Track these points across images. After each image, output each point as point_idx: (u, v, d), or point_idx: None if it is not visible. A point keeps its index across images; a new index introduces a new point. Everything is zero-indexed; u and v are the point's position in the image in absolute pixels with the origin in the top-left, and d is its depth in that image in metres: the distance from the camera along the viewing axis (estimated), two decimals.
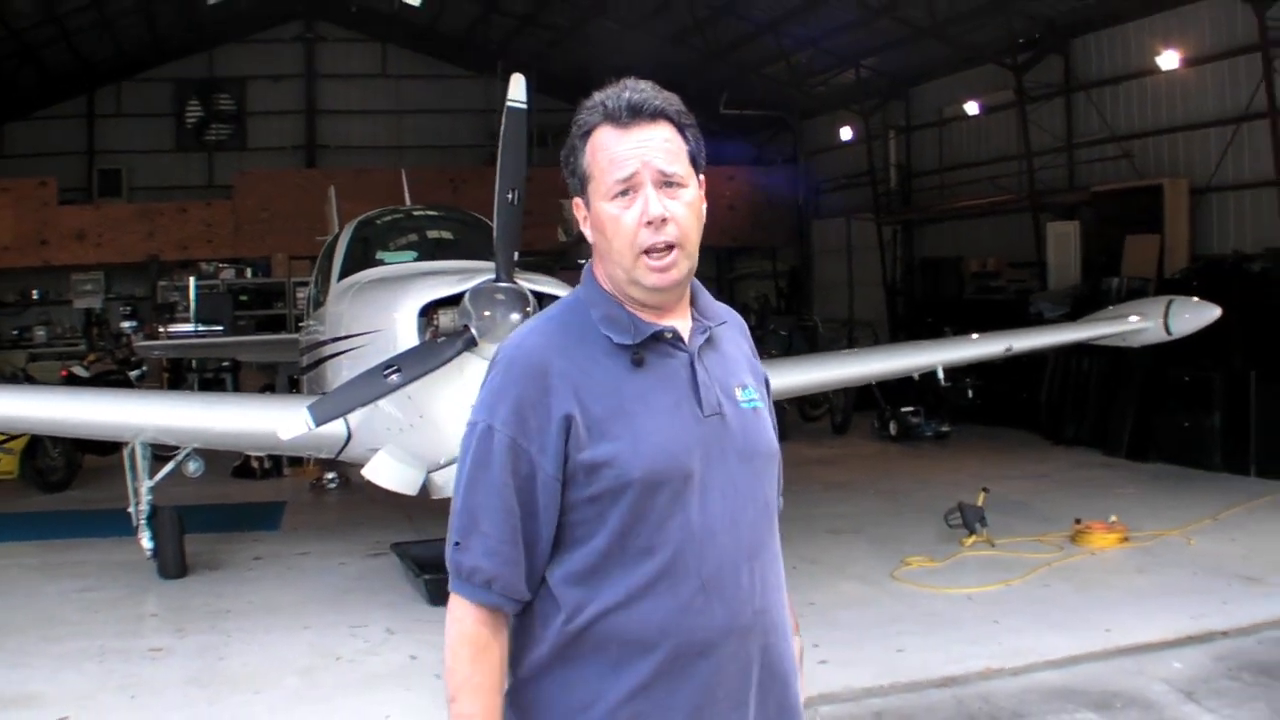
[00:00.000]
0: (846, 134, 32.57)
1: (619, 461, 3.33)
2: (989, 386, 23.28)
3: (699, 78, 31.78)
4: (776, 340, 25.99)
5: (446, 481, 10.73)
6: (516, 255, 9.96)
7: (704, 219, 3.51)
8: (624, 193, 3.38)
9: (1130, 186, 22.83)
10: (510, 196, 9.56)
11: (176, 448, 13.72)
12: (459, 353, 9.63)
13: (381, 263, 13.38)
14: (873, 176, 31.68)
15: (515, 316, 9.45)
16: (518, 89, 9.88)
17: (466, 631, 3.40)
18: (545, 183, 33.35)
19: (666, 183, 3.38)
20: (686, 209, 3.40)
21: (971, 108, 26.95)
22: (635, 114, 3.38)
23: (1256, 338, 18.20)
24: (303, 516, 16.91)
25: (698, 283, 3.63)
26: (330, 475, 18.51)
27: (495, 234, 9.73)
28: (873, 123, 31.86)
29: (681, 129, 3.46)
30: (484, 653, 3.40)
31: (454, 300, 9.96)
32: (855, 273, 33.45)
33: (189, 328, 27.10)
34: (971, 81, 27.08)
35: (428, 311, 10.38)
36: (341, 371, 11.93)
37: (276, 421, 10.43)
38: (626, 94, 3.41)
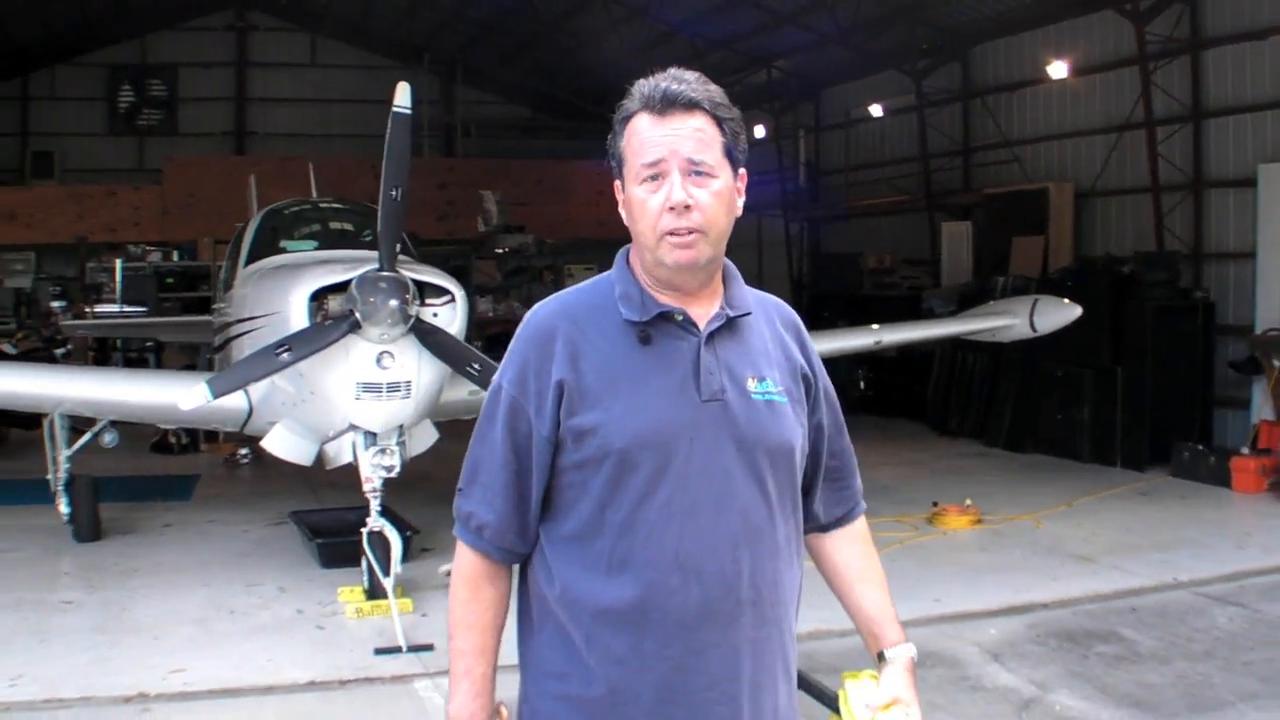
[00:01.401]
0: (760, 132, 33.14)
1: (603, 430, 3.43)
2: (882, 378, 24.29)
3: (617, 74, 32.52)
4: None
5: (338, 453, 11.68)
6: (399, 247, 10.87)
7: (736, 210, 3.58)
8: (653, 178, 3.47)
9: (1019, 189, 23.87)
10: (394, 194, 10.39)
11: (94, 420, 14.57)
12: (344, 334, 10.49)
13: (284, 250, 14.13)
14: (781, 174, 32.53)
15: (394, 303, 10.27)
16: (403, 96, 10.32)
17: (464, 572, 3.65)
18: (468, 174, 34.25)
19: (695, 171, 3.45)
20: (713, 198, 3.46)
21: (876, 110, 27.93)
22: (670, 104, 3.46)
23: (1124, 336, 19.27)
24: (214, 489, 17.75)
25: (735, 271, 3.73)
26: (243, 451, 19.32)
27: (380, 228, 10.56)
28: (783, 122, 32.77)
29: (719, 121, 3.51)
30: (478, 593, 3.62)
31: (343, 287, 10.74)
32: (765, 267, 33.93)
33: (115, 308, 27.62)
34: (876, 86, 28.02)
35: (319, 297, 11.15)
36: (244, 350, 12.68)
37: (179, 394, 11.26)
38: (665, 84, 3.49)
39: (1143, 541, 14.31)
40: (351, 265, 11.01)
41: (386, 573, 10.73)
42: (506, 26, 33.62)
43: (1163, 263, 20.14)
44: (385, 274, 10.44)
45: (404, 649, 10.01)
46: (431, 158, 36.35)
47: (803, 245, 32.99)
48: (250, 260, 14.36)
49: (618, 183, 3.59)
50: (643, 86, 3.51)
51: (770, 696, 3.61)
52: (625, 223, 3.57)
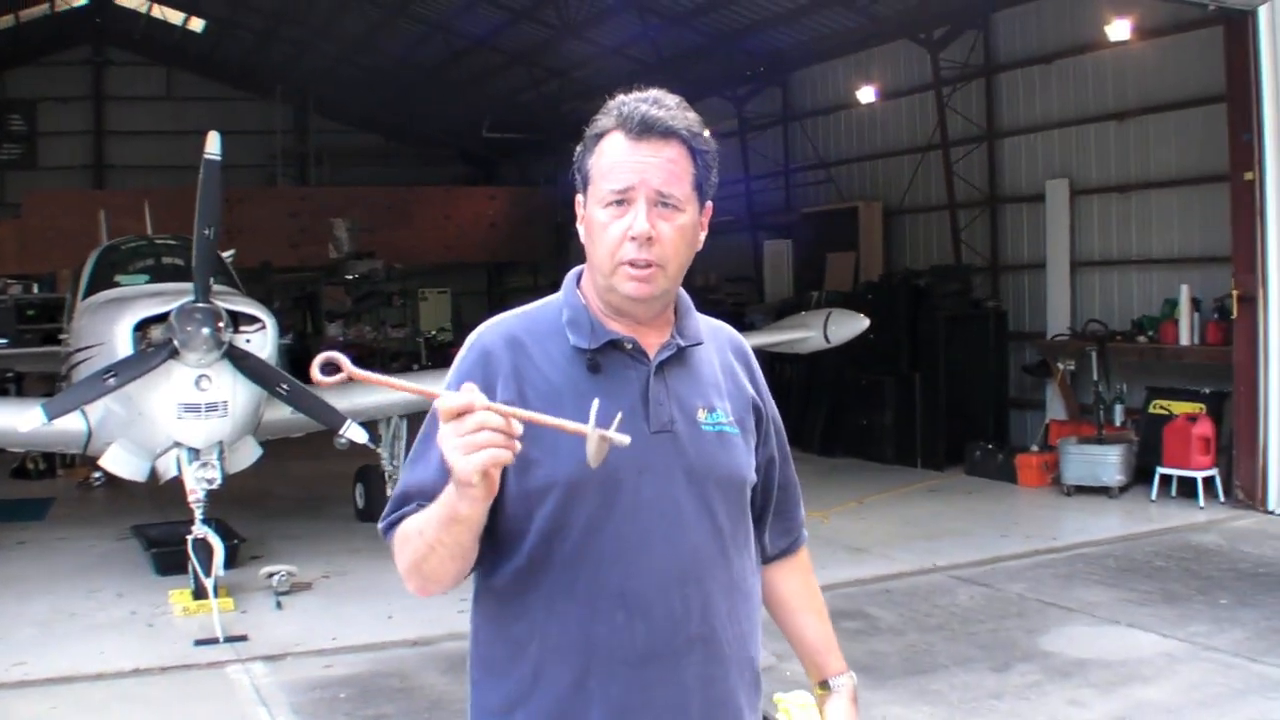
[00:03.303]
0: None
1: (549, 460, 3.26)
2: None
3: (465, 103, 33.73)
4: None
5: (166, 468, 12.82)
6: (214, 279, 12.11)
7: (698, 244, 3.46)
8: (618, 203, 3.31)
9: (832, 209, 25.29)
10: (207, 233, 11.58)
11: None
12: (163, 360, 11.70)
13: (117, 284, 15.24)
14: None
15: (206, 331, 11.53)
16: (213, 144, 11.50)
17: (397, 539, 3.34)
18: (320, 201, 35.15)
19: (662, 203, 3.31)
20: (676, 232, 3.34)
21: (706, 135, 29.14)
22: (647, 129, 3.32)
23: (920, 344, 20.69)
24: (67, 509, 18.70)
25: (688, 301, 3.61)
26: (97, 475, 20.15)
27: (194, 263, 11.74)
28: None
29: (693, 153, 3.39)
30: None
31: (164, 317, 11.95)
32: None
33: None
34: (701, 111, 28.77)
35: (142, 327, 12.36)
36: (82, 377, 13.80)
37: (16, 418, 12.37)
38: (644, 107, 3.35)
39: (915, 532, 15.67)
40: (172, 297, 12.17)
41: (209, 575, 11.88)
42: (356, 59, 34.52)
43: (955, 275, 21.67)
44: (200, 305, 11.64)
45: (221, 640, 11.19)
46: (284, 186, 37.48)
47: None
48: (88, 294, 15.38)
49: (579, 198, 3.46)
50: (622, 105, 3.38)
51: None
52: (581, 240, 3.46)
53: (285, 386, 12.31)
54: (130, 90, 38.73)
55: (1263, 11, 15.82)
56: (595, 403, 2.97)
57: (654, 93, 3.43)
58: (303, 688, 10.15)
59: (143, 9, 35.18)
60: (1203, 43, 17.33)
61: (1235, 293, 16.41)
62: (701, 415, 3.47)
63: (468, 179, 41.20)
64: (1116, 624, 11.50)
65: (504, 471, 2.99)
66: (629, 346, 3.42)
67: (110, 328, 12.83)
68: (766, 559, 3.84)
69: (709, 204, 3.51)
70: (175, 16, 34.99)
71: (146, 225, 19.82)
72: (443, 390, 3.07)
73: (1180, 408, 17.62)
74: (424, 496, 3.25)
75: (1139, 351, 18.73)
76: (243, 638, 11.35)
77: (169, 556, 13.53)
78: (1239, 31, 16.11)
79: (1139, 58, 19.13)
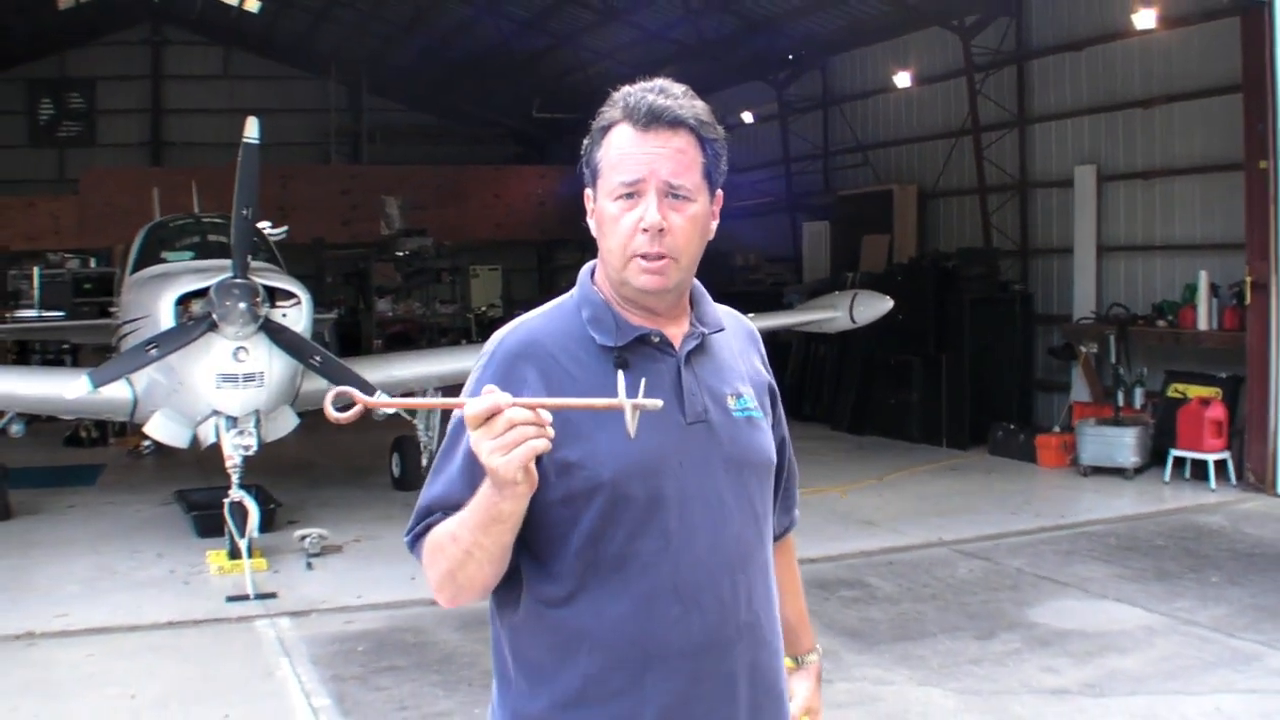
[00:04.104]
0: None
1: (590, 462, 3.22)
2: None
3: (515, 83, 34.16)
4: None
5: (206, 434, 13.51)
6: (253, 256, 12.80)
7: (709, 234, 3.42)
8: (628, 195, 3.27)
9: (868, 191, 25.79)
10: (245, 212, 12.31)
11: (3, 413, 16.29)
12: (203, 333, 12.51)
13: (164, 260, 15.98)
14: None
15: (243, 305, 12.28)
16: (252, 129, 12.18)
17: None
18: (372, 180, 35.63)
19: (673, 194, 3.27)
20: (687, 222, 3.29)
21: (747, 118, 29.55)
22: (654, 119, 3.28)
23: (947, 327, 21.15)
24: (117, 476, 19.47)
25: (701, 289, 3.56)
26: (147, 443, 20.83)
27: (233, 241, 12.56)
28: None
29: (702, 142, 3.33)
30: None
31: (205, 293, 12.73)
32: None
33: (33, 313, 28.74)
34: (742, 95, 29.31)
35: (184, 301, 13.14)
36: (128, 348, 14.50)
37: (64, 386, 13.16)
38: (650, 97, 3.30)
39: (928, 509, 16.18)
40: (213, 273, 12.91)
41: (243, 536, 12.54)
42: (409, 38, 34.95)
43: (982, 258, 22.12)
44: (238, 281, 12.39)
45: (251, 596, 11.91)
46: (337, 164, 37.96)
47: None
48: (136, 269, 16.14)
49: (588, 191, 3.43)
50: (628, 96, 3.34)
51: (767, 715, 3.50)
52: (592, 233, 3.41)
53: (318, 359, 13.06)
54: (188, 69, 39.08)
55: (1279, 3, 16.18)
56: (620, 375, 3.07)
57: (660, 82, 3.37)
58: (323, 641, 10.82)
59: None
60: (1225, 32, 17.63)
61: (1249, 279, 16.81)
62: (731, 402, 3.46)
63: (519, 158, 41.43)
64: (1105, 598, 11.96)
65: (541, 480, 2.99)
66: (656, 340, 3.38)
67: (154, 302, 13.63)
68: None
69: (720, 193, 3.45)
70: None
71: (194, 203, 20.43)
72: (466, 399, 3.00)
73: (1196, 391, 17.97)
74: (448, 508, 3.23)
75: (1159, 336, 19.05)
76: (272, 595, 12.06)
77: (209, 519, 14.16)
78: (1255, 22, 16.49)
79: (1164, 46, 19.48)
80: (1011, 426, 20.31)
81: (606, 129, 3.34)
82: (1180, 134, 19.54)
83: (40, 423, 19.52)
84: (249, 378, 12.77)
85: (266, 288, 12.91)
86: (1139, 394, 18.94)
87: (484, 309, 35.55)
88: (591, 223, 3.41)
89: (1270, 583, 12.35)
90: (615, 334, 3.34)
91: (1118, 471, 17.92)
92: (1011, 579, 12.67)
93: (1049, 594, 12.17)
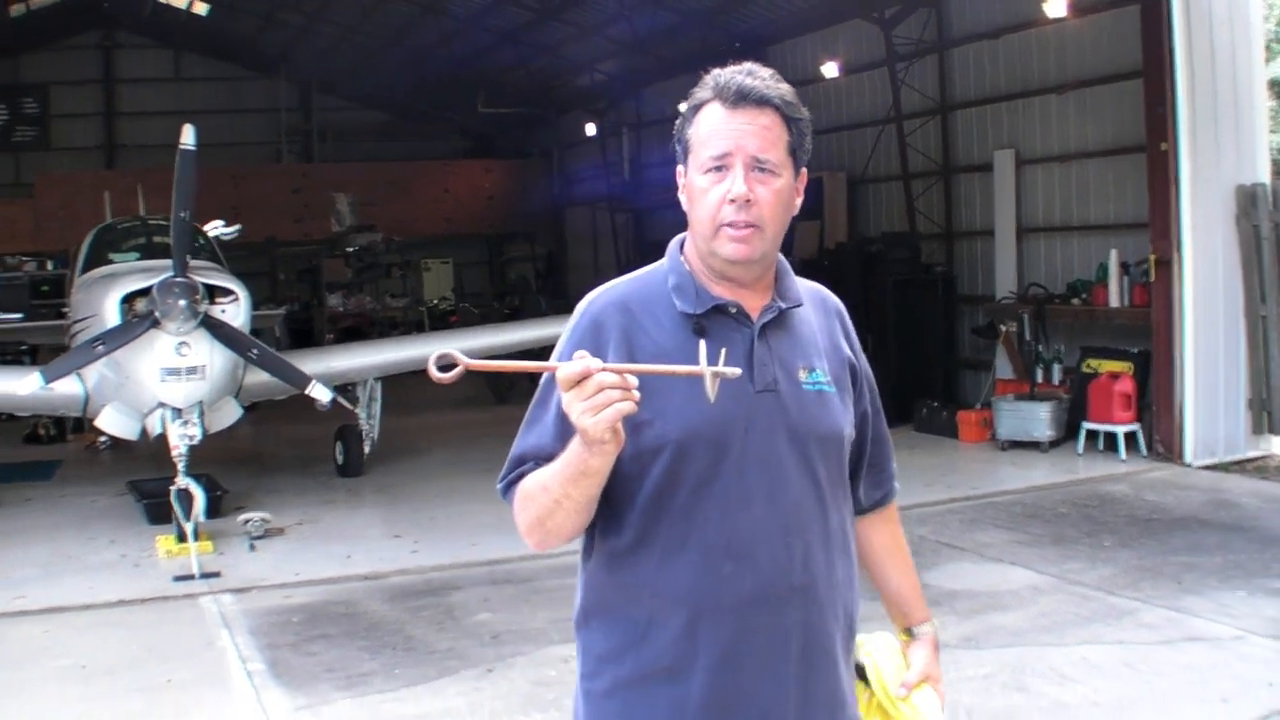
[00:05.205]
0: (591, 130, 35.16)
1: (660, 422, 3.40)
2: None
3: (460, 79, 34.63)
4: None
5: (153, 425, 14.24)
6: (191, 257, 13.56)
7: (794, 209, 3.60)
8: (717, 169, 3.46)
9: None
10: (183, 215, 13.08)
11: None
12: (146, 330, 13.29)
13: (111, 261, 16.69)
14: (606, 169, 34.76)
15: (184, 303, 13.07)
16: (188, 136, 13.09)
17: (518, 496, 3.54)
18: (323, 177, 36.23)
19: (759, 167, 3.45)
20: (773, 195, 3.47)
21: (684, 108, 30.17)
22: (743, 97, 3.48)
23: (872, 309, 21.66)
24: (73, 470, 20.03)
25: (786, 264, 3.71)
26: (103, 438, 21.31)
27: (172, 242, 13.30)
28: (609, 120, 34.90)
29: (787, 120, 3.53)
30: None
31: (149, 291, 13.46)
32: (600, 256, 36.25)
33: None
34: (685, 86, 29.84)
35: (130, 300, 13.90)
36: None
37: (15, 384, 13.89)
38: (740, 78, 3.51)
39: None
40: (157, 273, 13.64)
41: (189, 520, 13.23)
42: (356, 38, 35.35)
43: (905, 241, 22.85)
44: (179, 280, 13.15)
45: (197, 576, 12.62)
46: (288, 163, 38.61)
47: (629, 235, 34.94)
48: (85, 270, 16.87)
49: (680, 167, 3.63)
50: (718, 77, 3.57)
51: (825, 679, 3.66)
52: (683, 208, 3.61)
53: (255, 351, 13.91)
54: (139, 72, 39.40)
55: None
56: (702, 344, 3.25)
57: (748, 65, 3.60)
58: (261, 614, 11.54)
59: None
60: (1130, 19, 18.27)
61: (1153, 257, 17.57)
62: (802, 375, 3.60)
63: (467, 153, 41.99)
64: (1000, 562, 12.69)
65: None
66: (733, 310, 3.55)
67: (101, 301, 14.39)
68: (860, 511, 3.98)
69: (804, 170, 3.66)
70: (180, 1, 35.53)
71: (140, 206, 21.08)
72: (557, 362, 3.27)
73: (1109, 366, 18.66)
74: (540, 458, 3.46)
75: (1074, 314, 19.78)
76: (216, 574, 12.79)
77: (159, 507, 14.78)
78: (1153, 9, 17.24)
79: (1075, 33, 20.15)
80: (935, 404, 20.97)
81: (698, 107, 3.58)
82: (1092, 118, 20.25)
83: (0, 422, 20.23)
84: (191, 371, 13.53)
85: (206, 285, 13.69)
86: (1057, 370, 19.72)
87: (436, 302, 36.19)
88: (682, 197, 3.62)
89: (1159, 545, 13.10)
90: (695, 302, 3.53)
91: (1034, 445, 18.61)
92: (914, 545, 12.60)
93: (946, 558, 12.87)
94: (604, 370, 3.04)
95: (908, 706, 3.91)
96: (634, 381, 3.07)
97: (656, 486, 3.46)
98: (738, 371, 3.20)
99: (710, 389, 3.13)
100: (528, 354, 19.69)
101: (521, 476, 3.51)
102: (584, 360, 3.05)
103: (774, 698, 3.53)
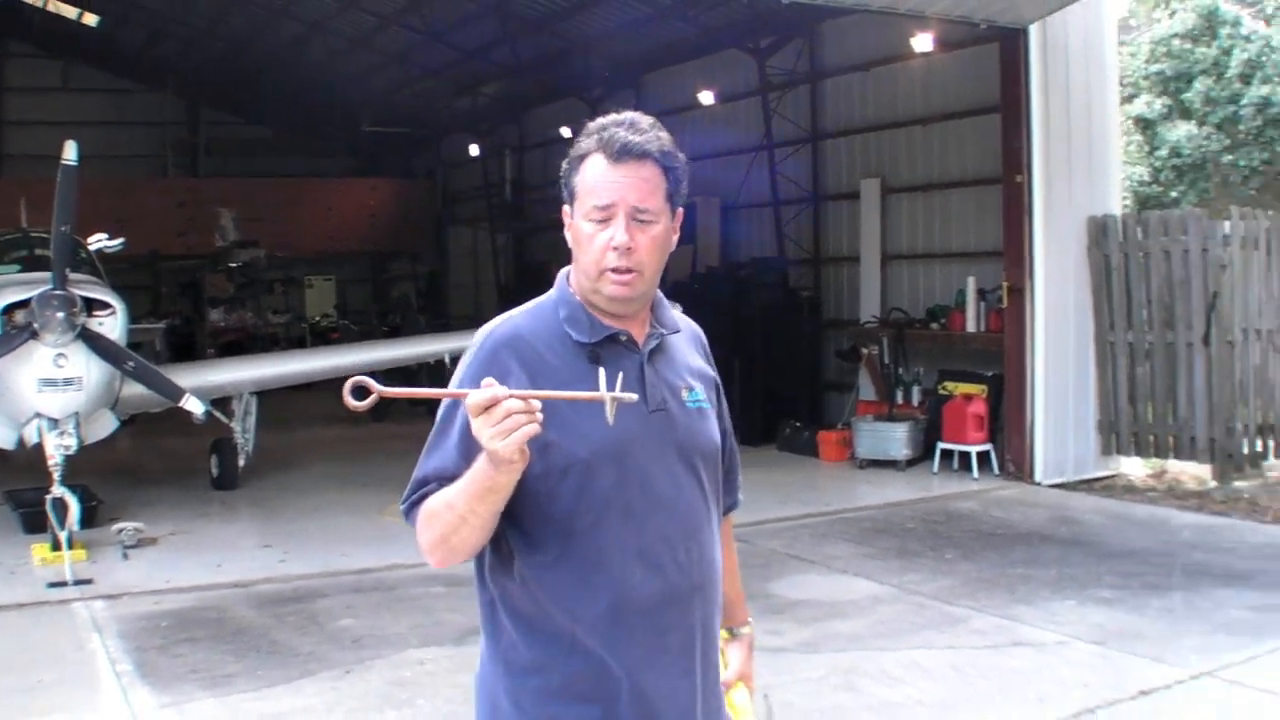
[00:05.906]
0: (474, 151, 35.53)
1: (566, 442, 3.61)
2: None
3: (344, 99, 35.10)
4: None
5: (30, 435, 14.45)
6: (68, 270, 13.90)
7: (670, 247, 3.83)
8: (601, 220, 3.67)
9: None
10: (64, 229, 13.42)
11: None
12: (25, 341, 13.57)
13: None
14: (487, 190, 35.21)
15: (61, 315, 13.39)
16: (70, 152, 13.42)
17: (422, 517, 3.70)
18: (209, 192, 36.30)
19: (638, 218, 3.67)
20: (651, 241, 3.70)
21: (565, 132, 30.40)
22: (625, 152, 3.66)
23: (740, 332, 22.21)
24: None
25: (662, 297, 3.98)
26: None
27: (52, 254, 13.60)
28: (491, 142, 35.30)
29: (665, 170, 3.72)
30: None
31: (28, 303, 13.73)
32: (480, 275, 36.62)
33: None
34: (564, 110, 30.40)
35: (9, 311, 14.11)
36: None
37: None
38: (622, 132, 3.70)
39: None
40: (36, 285, 13.90)
41: (64, 528, 13.57)
42: (245, 54, 35.53)
43: (773, 267, 23.48)
44: (57, 292, 13.46)
45: (70, 583, 12.88)
46: (174, 177, 38.67)
47: (509, 255, 35.48)
48: None
49: (566, 209, 3.81)
50: (603, 130, 3.75)
51: (714, 669, 3.99)
52: (569, 245, 3.81)
53: (131, 364, 14.27)
54: (28, 81, 39.38)
55: (1033, 30, 17.71)
56: (601, 371, 3.50)
57: (630, 116, 3.79)
58: (132, 619, 11.87)
59: (39, 3, 35.44)
60: (991, 56, 18.94)
61: (1006, 284, 18.30)
62: (685, 394, 3.88)
63: (355, 171, 42.32)
64: (845, 573, 13.24)
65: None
66: (624, 339, 3.80)
67: None
68: None
69: (680, 210, 3.85)
70: (70, 11, 35.47)
71: (22, 217, 21.32)
72: (456, 388, 3.59)
73: (964, 389, 19.30)
74: (443, 480, 3.63)
75: (933, 337, 20.50)
76: (89, 581, 13.06)
77: (34, 516, 15.01)
78: (1011, 47, 18.02)
79: (941, 68, 20.87)
80: (798, 424, 21.57)
81: (583, 157, 3.77)
82: (955, 149, 21.01)
83: None
84: (68, 382, 13.80)
85: (84, 298, 13.95)
86: (916, 392, 20.42)
87: (318, 319, 36.39)
88: (568, 234, 3.81)
89: (1000, 558, 13.75)
90: (589, 332, 3.77)
91: (891, 464, 19.30)
92: (764, 558, 13.77)
93: (794, 570, 13.42)
94: (511, 396, 3.27)
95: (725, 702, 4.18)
96: (538, 405, 3.30)
97: (566, 505, 3.68)
98: (634, 397, 3.49)
99: (610, 412, 3.40)
100: (405, 371, 20.20)
101: (425, 497, 3.68)
102: (492, 388, 3.28)
103: (688, 693, 3.83)
